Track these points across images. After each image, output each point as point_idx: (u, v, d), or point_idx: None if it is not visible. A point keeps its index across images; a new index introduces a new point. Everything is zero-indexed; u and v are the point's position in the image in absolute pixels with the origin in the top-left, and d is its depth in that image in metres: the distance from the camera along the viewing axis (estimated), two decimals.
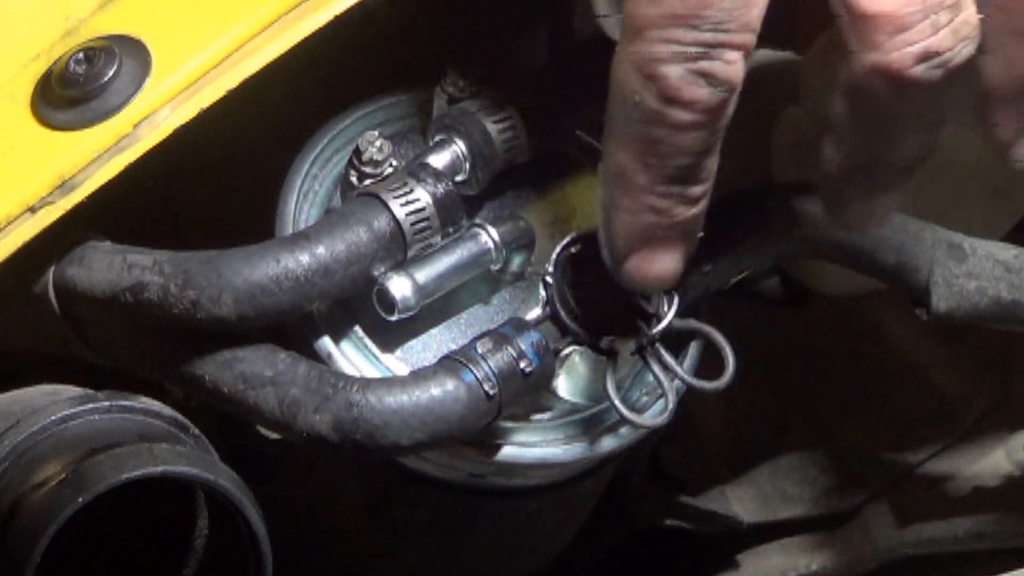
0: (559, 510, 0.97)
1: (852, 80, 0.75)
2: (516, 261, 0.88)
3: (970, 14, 0.74)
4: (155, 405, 0.82)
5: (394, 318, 0.83)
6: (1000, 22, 0.77)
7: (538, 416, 0.87)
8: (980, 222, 1.04)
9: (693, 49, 0.70)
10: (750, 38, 0.71)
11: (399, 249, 0.83)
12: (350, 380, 0.79)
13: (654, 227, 0.76)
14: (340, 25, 0.80)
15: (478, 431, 0.81)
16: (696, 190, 0.75)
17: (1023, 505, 1.27)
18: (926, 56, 0.73)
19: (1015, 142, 0.80)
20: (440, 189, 0.84)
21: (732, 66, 0.71)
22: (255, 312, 0.78)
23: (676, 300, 0.84)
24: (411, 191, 0.83)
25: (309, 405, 0.78)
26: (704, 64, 0.71)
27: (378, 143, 0.85)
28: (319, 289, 0.80)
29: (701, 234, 0.81)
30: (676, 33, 0.70)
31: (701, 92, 0.71)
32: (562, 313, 0.82)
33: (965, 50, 0.74)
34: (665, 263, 0.78)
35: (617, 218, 0.76)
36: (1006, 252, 0.93)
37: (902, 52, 0.73)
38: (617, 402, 0.81)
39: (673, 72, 0.71)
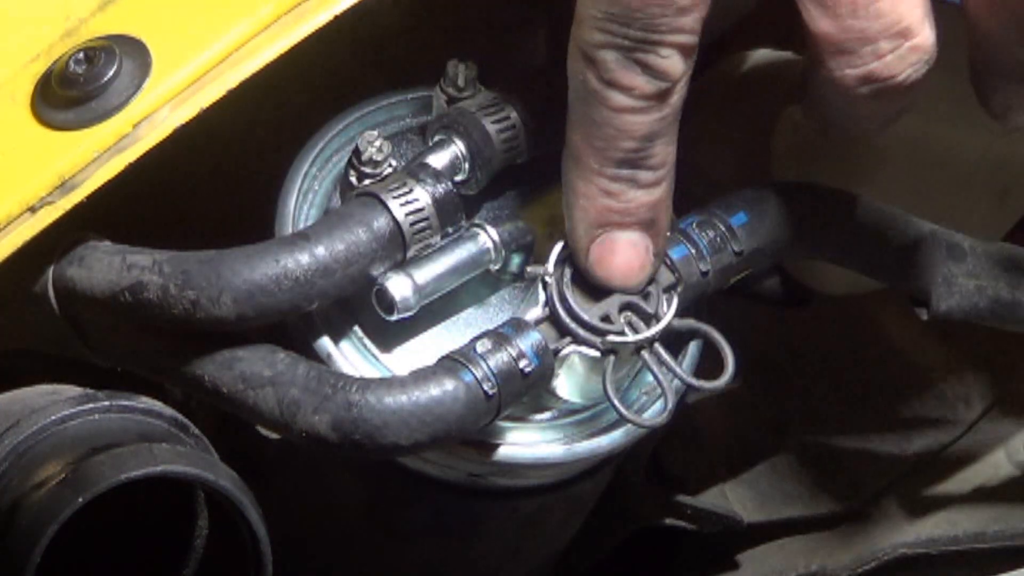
0: (559, 510, 0.97)
1: (814, 81, 0.79)
2: (516, 261, 0.88)
3: (920, 40, 0.77)
4: (155, 405, 0.82)
5: (393, 318, 0.83)
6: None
7: (538, 416, 0.87)
8: (980, 222, 1.04)
9: (626, 42, 0.75)
10: (684, 39, 0.76)
11: (398, 249, 0.83)
12: (349, 380, 0.79)
13: (609, 211, 0.80)
14: (340, 25, 0.80)
15: (477, 431, 0.81)
16: (647, 175, 0.79)
17: (1023, 505, 1.27)
18: (868, 79, 0.76)
19: (1008, 113, 0.83)
20: (439, 189, 0.84)
21: (667, 60, 0.76)
22: (254, 312, 0.78)
23: (676, 300, 0.84)
24: (410, 191, 0.83)
25: (308, 405, 0.78)
26: (639, 55, 0.75)
27: (378, 143, 0.85)
28: (318, 289, 0.80)
29: (669, 233, 0.82)
30: (611, 26, 0.75)
31: (638, 79, 0.76)
32: (562, 313, 0.82)
33: (915, 74, 0.77)
34: (628, 254, 0.81)
35: (575, 202, 0.80)
36: (1006, 252, 0.93)
37: (845, 72, 0.77)
38: (617, 402, 0.81)
39: (610, 57, 0.76)
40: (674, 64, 0.76)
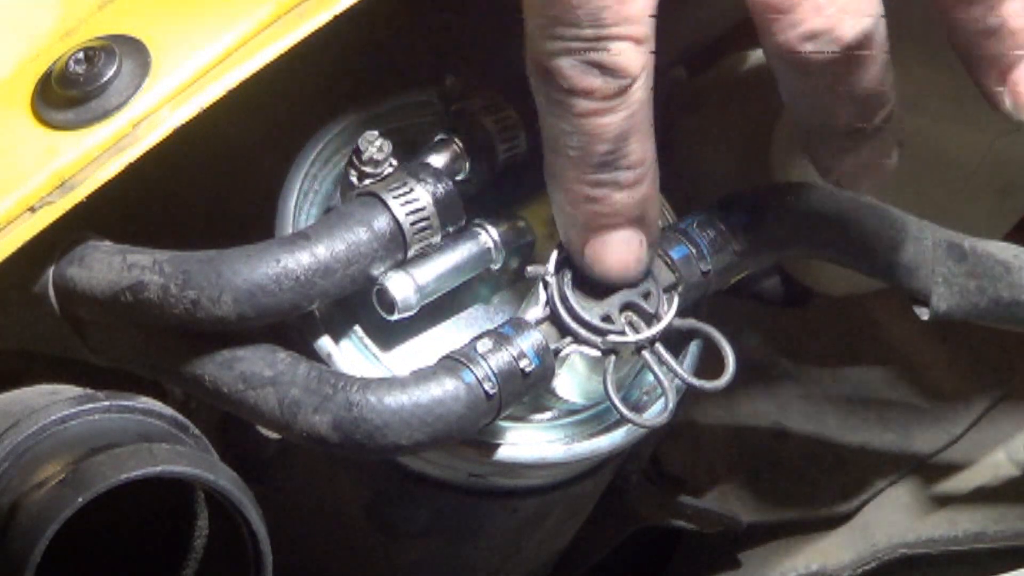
0: (559, 510, 0.97)
1: (769, 63, 0.78)
2: (516, 261, 0.88)
3: None
4: (155, 405, 0.82)
5: (394, 318, 0.83)
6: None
7: (538, 416, 0.87)
8: (980, 222, 1.04)
9: (576, 44, 0.74)
10: (634, 29, 0.74)
11: (399, 249, 0.83)
12: (350, 380, 0.79)
13: (596, 215, 0.79)
14: (340, 25, 0.80)
15: (478, 431, 0.81)
16: (627, 175, 0.78)
17: (1023, 505, 1.27)
18: (812, 35, 0.75)
19: (1009, 99, 0.82)
20: (440, 189, 0.84)
21: (620, 55, 0.74)
22: (255, 312, 0.78)
23: (676, 300, 0.84)
24: (411, 191, 0.83)
25: (309, 405, 0.78)
26: (592, 56, 0.74)
27: (378, 143, 0.85)
28: (319, 289, 0.80)
29: (662, 223, 0.82)
30: (559, 31, 0.74)
31: (596, 81, 0.75)
32: (562, 313, 0.82)
33: (859, 25, 0.75)
34: (622, 250, 0.80)
35: (562, 211, 0.80)
36: (1006, 252, 0.93)
37: (788, 34, 0.75)
38: (617, 402, 0.81)
39: (565, 64, 0.75)
40: (629, 58, 0.75)
